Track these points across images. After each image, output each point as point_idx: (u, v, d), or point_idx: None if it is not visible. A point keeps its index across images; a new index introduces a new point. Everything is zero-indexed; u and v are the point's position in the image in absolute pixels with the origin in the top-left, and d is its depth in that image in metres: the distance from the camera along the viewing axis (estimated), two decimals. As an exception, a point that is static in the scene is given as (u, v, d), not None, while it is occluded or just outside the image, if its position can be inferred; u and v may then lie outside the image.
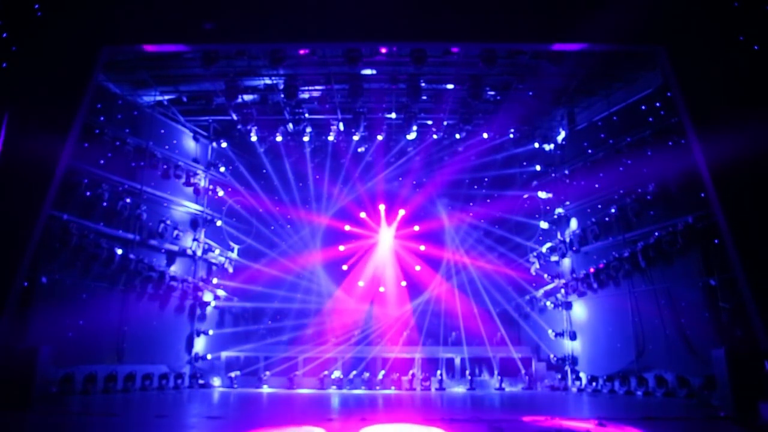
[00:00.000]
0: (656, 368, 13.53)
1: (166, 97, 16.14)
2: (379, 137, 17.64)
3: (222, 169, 18.13)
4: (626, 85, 14.90)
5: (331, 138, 17.71)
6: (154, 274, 15.42)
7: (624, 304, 14.63)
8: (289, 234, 19.23)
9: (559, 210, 17.30)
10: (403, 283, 19.03)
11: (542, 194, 17.68)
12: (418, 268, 19.13)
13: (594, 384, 15.39)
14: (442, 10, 11.53)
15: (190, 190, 17.29)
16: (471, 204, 19.52)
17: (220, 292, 17.86)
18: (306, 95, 15.92)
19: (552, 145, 17.66)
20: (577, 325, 16.85)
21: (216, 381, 16.90)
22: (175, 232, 16.31)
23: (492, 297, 18.47)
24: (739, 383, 9.27)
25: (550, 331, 17.33)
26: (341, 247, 19.28)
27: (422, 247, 19.26)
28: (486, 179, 19.28)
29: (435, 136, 17.56)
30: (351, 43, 12.65)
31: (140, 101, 15.93)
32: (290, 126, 17.14)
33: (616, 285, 15.05)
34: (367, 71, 14.59)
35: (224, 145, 18.00)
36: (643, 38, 11.26)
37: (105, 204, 14.00)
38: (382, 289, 19.05)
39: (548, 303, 17.62)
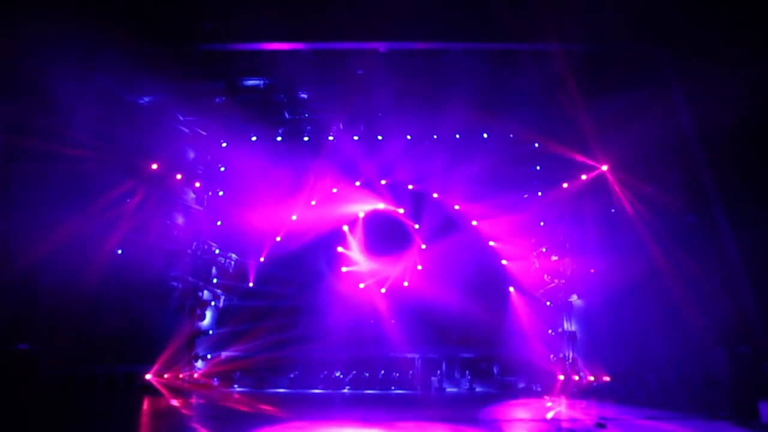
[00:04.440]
0: (656, 368, 13.52)
1: (166, 97, 16.07)
2: (379, 137, 17.64)
3: (222, 168, 18.11)
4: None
5: (330, 138, 17.68)
6: (154, 274, 15.40)
7: (624, 304, 14.61)
8: (290, 233, 19.18)
9: None
10: (405, 284, 19.00)
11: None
12: (419, 267, 19.09)
13: (594, 384, 15.38)
14: (434, 11, 11.62)
15: (190, 190, 17.28)
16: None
17: (220, 292, 17.86)
18: (306, 95, 15.91)
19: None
20: (576, 326, 16.84)
21: (215, 381, 16.89)
22: (176, 232, 16.31)
23: (492, 296, 18.43)
24: (739, 383, 9.27)
25: (549, 331, 17.32)
26: (339, 248, 19.23)
27: (423, 246, 19.22)
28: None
29: (435, 136, 17.56)
30: (352, 43, 12.69)
31: (140, 101, 15.89)
32: (290, 126, 17.14)
33: (617, 284, 15.02)
34: (365, 71, 14.57)
35: (224, 145, 17.96)
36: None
37: (105, 204, 13.99)
38: (383, 290, 19.01)
39: (548, 303, 17.61)
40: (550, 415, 10.74)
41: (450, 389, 16.96)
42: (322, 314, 18.01)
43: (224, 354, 17.36)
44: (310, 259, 18.78)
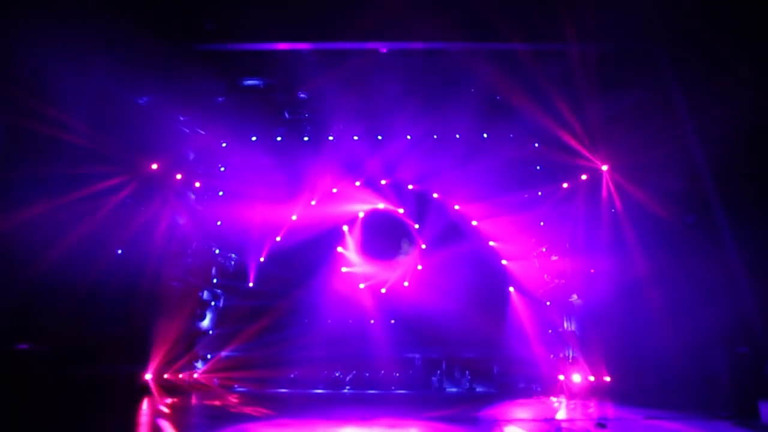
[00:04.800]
0: (656, 368, 13.52)
1: (166, 97, 16.06)
2: (379, 137, 17.66)
3: (222, 168, 18.12)
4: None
5: (331, 138, 17.70)
6: (154, 274, 15.39)
7: (624, 304, 14.60)
8: (290, 233, 19.20)
9: None
10: (406, 284, 19.00)
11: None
12: (419, 267, 19.10)
13: (594, 384, 15.38)
14: (434, 11, 11.64)
15: (190, 190, 17.30)
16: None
17: (220, 292, 17.87)
18: (306, 95, 15.93)
19: None
20: (576, 326, 16.84)
21: (215, 381, 16.91)
22: (176, 232, 16.32)
23: (492, 296, 18.43)
24: (739, 383, 9.27)
25: (549, 331, 17.32)
26: (339, 249, 19.24)
27: (423, 246, 19.23)
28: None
29: (435, 136, 17.58)
30: (352, 43, 12.71)
31: (140, 100, 15.87)
32: (290, 126, 17.16)
33: (617, 284, 15.03)
34: (365, 71, 14.57)
35: (224, 145, 17.97)
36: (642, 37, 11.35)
37: (105, 204, 13.98)
38: (383, 291, 19.02)
39: (548, 303, 17.61)
40: (559, 415, 10.75)
41: (450, 389, 16.95)
42: (322, 314, 18.04)
43: (224, 354, 17.37)
44: (310, 259, 18.79)
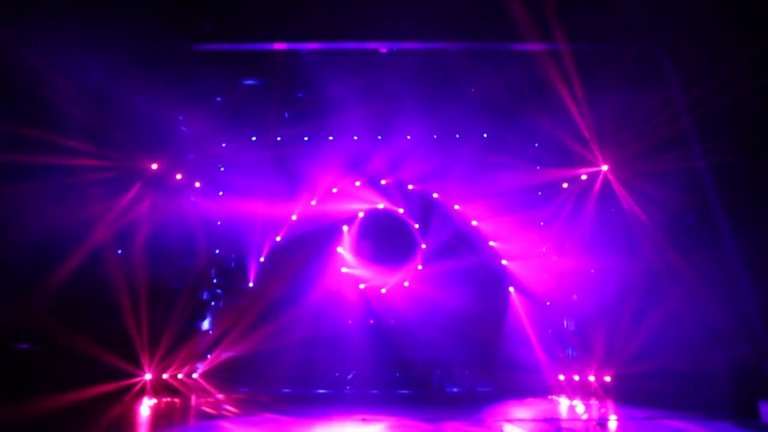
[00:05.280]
0: (656, 368, 13.49)
1: (166, 96, 16.06)
2: (379, 137, 17.67)
3: (222, 168, 18.11)
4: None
5: (330, 138, 17.71)
6: (154, 274, 15.40)
7: (624, 304, 14.59)
8: (290, 232, 19.20)
9: None
10: (406, 284, 19.00)
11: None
12: (419, 267, 19.09)
13: (594, 384, 15.37)
14: (434, 11, 11.67)
15: (191, 190, 17.29)
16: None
17: (220, 292, 17.87)
18: (305, 95, 15.93)
19: None
20: (576, 325, 16.83)
21: (215, 381, 16.89)
22: (176, 233, 16.30)
23: (493, 296, 18.43)
24: (739, 383, 9.28)
25: (550, 331, 17.32)
26: (339, 249, 19.24)
27: (423, 246, 19.22)
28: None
29: (435, 136, 17.59)
30: (352, 43, 12.73)
31: (139, 101, 15.87)
32: (290, 126, 17.16)
33: (617, 284, 15.02)
34: (365, 71, 14.58)
35: (224, 145, 17.97)
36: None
37: (105, 205, 13.98)
38: (383, 291, 19.01)
39: (548, 303, 17.61)
40: (560, 415, 10.75)
41: (450, 389, 16.95)
42: (322, 314, 18.03)
43: (224, 354, 17.35)
44: (310, 259, 18.79)
